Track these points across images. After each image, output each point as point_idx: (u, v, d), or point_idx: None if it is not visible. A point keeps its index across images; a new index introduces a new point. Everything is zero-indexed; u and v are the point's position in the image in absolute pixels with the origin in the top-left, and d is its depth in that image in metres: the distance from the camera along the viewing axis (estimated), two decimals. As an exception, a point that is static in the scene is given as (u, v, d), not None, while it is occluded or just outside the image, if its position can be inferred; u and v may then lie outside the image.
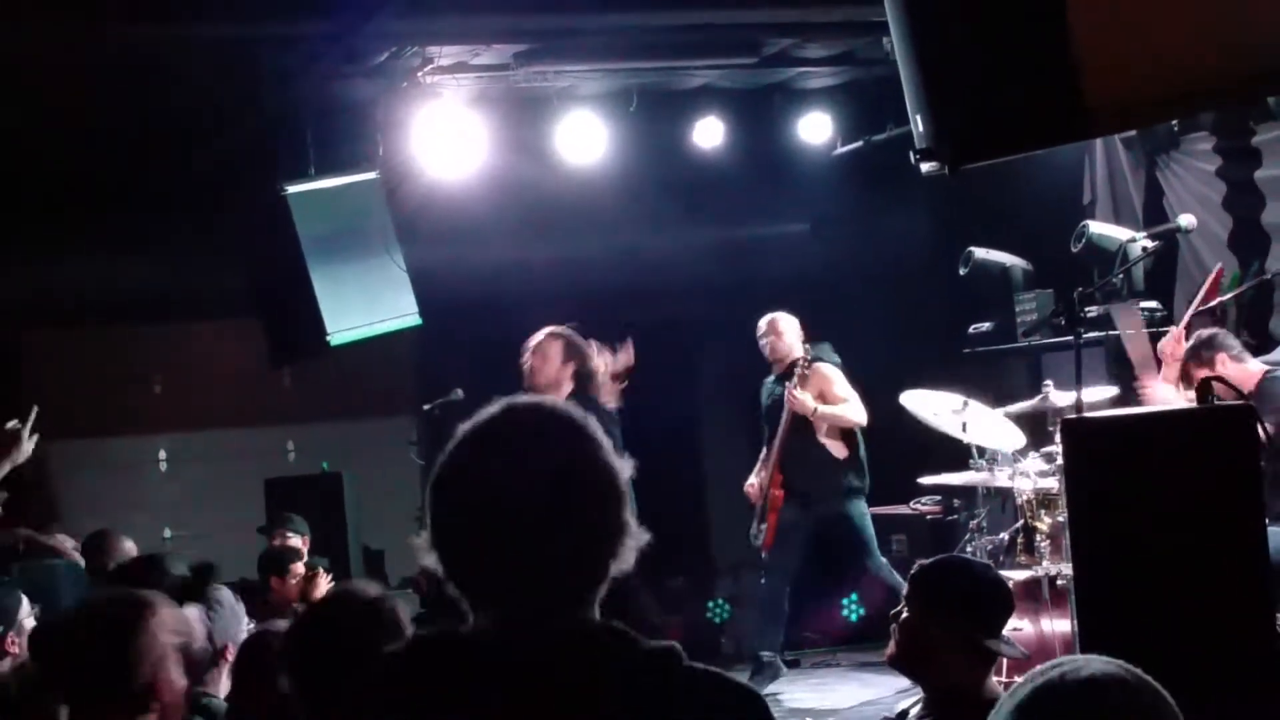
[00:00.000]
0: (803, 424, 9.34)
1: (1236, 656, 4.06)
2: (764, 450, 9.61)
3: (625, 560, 2.21)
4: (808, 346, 9.42)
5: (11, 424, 5.70)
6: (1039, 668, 2.18)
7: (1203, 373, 7.06)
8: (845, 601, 10.70)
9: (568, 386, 8.42)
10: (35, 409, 5.73)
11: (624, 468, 2.24)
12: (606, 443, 2.24)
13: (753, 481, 9.63)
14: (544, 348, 8.51)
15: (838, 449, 9.40)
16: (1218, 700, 3.59)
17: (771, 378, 9.63)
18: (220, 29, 8.20)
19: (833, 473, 9.39)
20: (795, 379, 9.20)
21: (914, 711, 4.15)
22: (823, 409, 9.24)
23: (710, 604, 11.04)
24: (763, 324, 9.57)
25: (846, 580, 10.34)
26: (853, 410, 9.32)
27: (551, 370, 8.45)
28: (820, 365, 9.29)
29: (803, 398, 9.19)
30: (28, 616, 5.59)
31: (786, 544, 9.45)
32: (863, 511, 9.49)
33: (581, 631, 2.17)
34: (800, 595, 9.85)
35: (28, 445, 5.78)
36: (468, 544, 2.18)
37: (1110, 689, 2.08)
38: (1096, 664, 2.13)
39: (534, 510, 2.14)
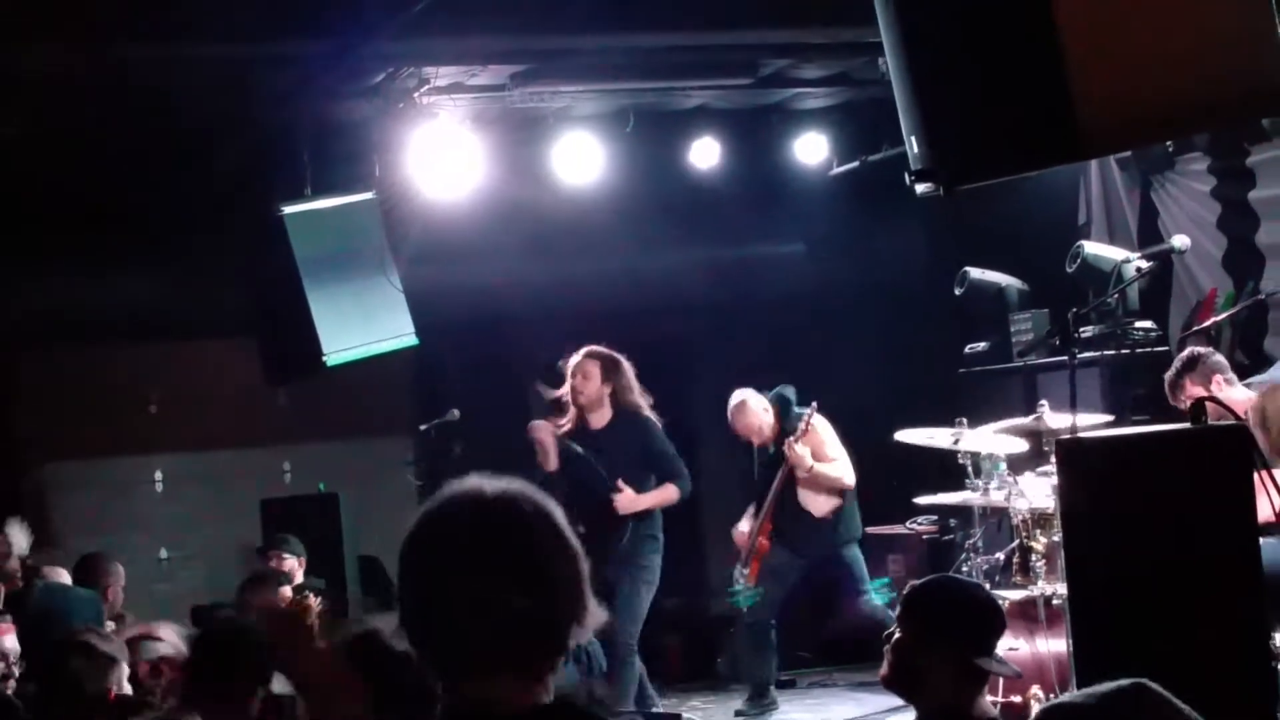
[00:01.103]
0: (794, 480, 9.33)
1: (1232, 676, 4.07)
2: (753, 505, 9.59)
3: (583, 635, 2.27)
4: (781, 392, 9.41)
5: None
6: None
7: (1197, 391, 7.07)
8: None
9: (608, 404, 8.79)
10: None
11: (579, 549, 2.28)
12: (563, 522, 2.28)
13: (742, 529, 9.61)
14: (584, 368, 8.79)
15: (829, 504, 9.36)
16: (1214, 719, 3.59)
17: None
18: (218, 49, 8.21)
19: (823, 527, 9.39)
20: (799, 432, 9.15)
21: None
22: (817, 467, 9.20)
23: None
24: (732, 413, 9.48)
25: (835, 611, 10.29)
26: (842, 470, 9.30)
27: (593, 389, 8.78)
28: (816, 421, 9.27)
29: (801, 453, 9.14)
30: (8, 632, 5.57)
31: (774, 579, 9.44)
32: (855, 556, 9.51)
33: (543, 713, 2.22)
34: (792, 617, 9.84)
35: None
36: (429, 616, 2.25)
37: (1123, 700, 2.08)
38: (1119, 683, 2.14)
39: (493, 587, 2.20)
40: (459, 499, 2.28)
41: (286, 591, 7.73)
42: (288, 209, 9.25)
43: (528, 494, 2.29)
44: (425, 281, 9.88)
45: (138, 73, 8.50)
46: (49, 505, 11.03)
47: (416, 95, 9.24)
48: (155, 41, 8.04)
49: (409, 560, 2.28)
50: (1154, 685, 2.14)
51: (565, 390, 8.85)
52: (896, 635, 4.00)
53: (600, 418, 8.83)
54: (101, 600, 7.56)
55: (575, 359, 8.84)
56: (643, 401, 8.86)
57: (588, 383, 8.78)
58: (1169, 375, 7.46)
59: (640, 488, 8.73)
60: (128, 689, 4.52)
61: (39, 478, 11.29)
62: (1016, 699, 6.97)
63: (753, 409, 9.40)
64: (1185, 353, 7.55)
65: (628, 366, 8.85)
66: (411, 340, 9.61)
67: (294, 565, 8.85)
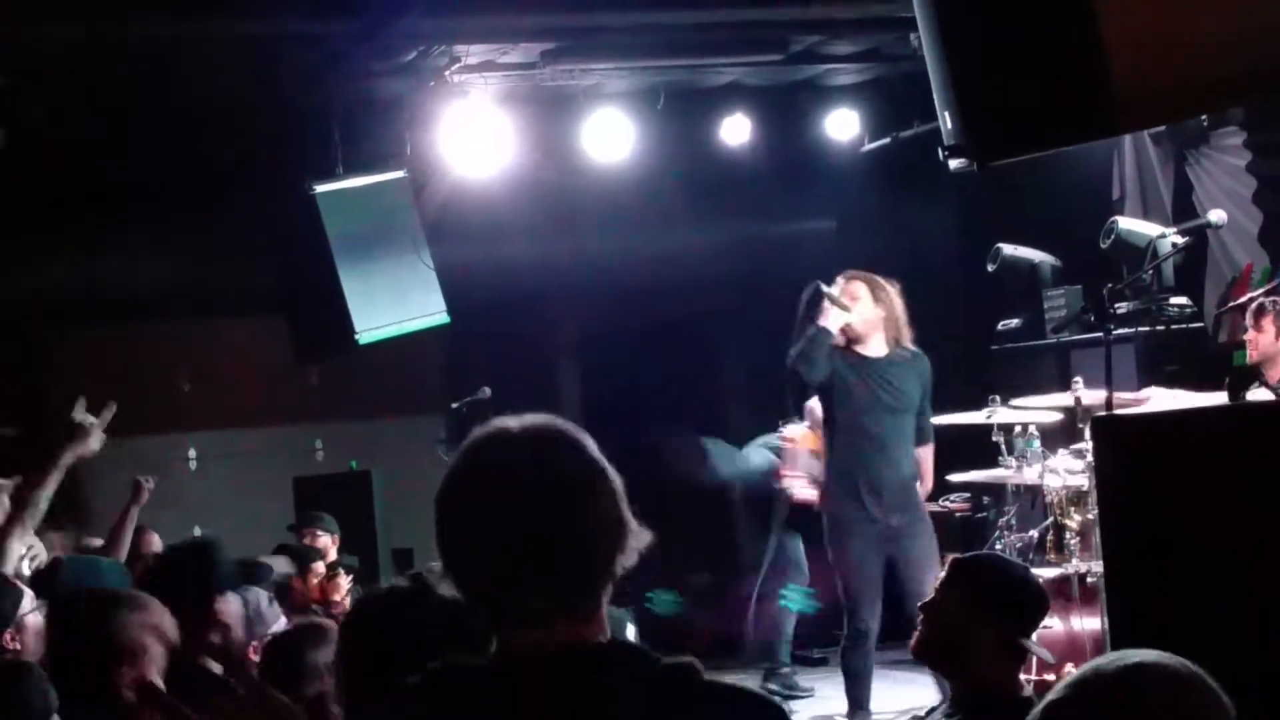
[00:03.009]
0: None
1: (1271, 658, 4.04)
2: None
3: (629, 558, 2.23)
4: None
5: (81, 415, 5.59)
6: (1084, 668, 2.16)
7: (1268, 330, 7.43)
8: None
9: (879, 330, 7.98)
10: (113, 405, 5.64)
11: (613, 473, 2.27)
12: (592, 445, 2.27)
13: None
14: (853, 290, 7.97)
15: None
16: (1251, 702, 3.56)
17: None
18: (248, 27, 8.22)
19: None
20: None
21: (941, 708, 4.14)
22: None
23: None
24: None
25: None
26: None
27: (868, 311, 7.95)
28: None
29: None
30: (31, 612, 5.57)
31: None
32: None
33: (597, 650, 2.19)
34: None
35: (96, 440, 5.69)
36: (474, 562, 2.22)
37: (1155, 678, 2.06)
38: (1147, 654, 2.10)
39: (533, 515, 2.17)
40: (487, 440, 2.26)
41: (319, 567, 7.76)
42: (319, 187, 9.27)
43: (555, 425, 2.27)
44: (456, 260, 9.89)
45: (167, 50, 8.51)
46: (81, 484, 11.07)
47: (447, 73, 9.23)
48: (186, 19, 8.06)
49: (447, 505, 2.25)
50: (1159, 661, 2.11)
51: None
52: (938, 604, 3.98)
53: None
54: (129, 572, 7.59)
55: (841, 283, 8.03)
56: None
57: (855, 303, 7.93)
58: (1260, 300, 7.78)
59: None
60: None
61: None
62: (1050, 678, 6.95)
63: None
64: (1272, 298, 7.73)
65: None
66: (443, 319, 9.62)
67: (328, 543, 8.87)
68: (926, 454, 8.14)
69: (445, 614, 3.04)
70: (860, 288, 7.94)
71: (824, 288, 7.86)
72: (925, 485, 8.17)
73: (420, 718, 2.20)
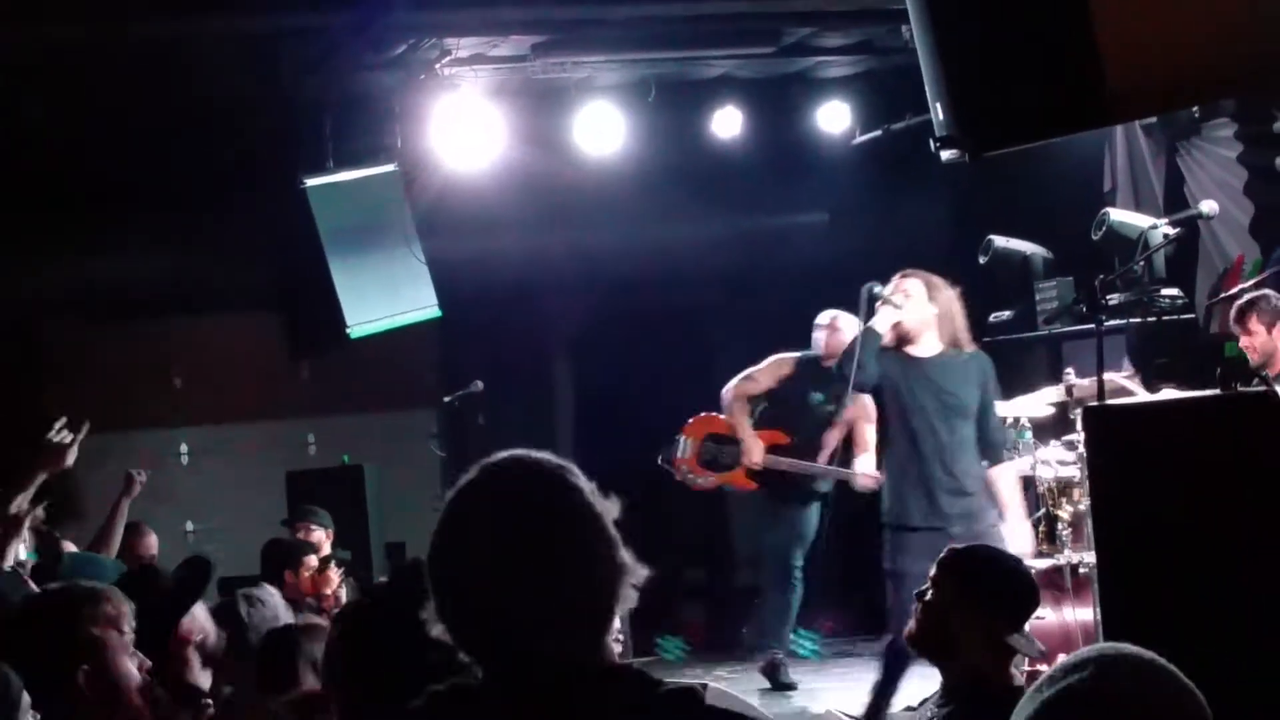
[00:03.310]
0: None
1: (1262, 647, 4.04)
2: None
3: (627, 600, 2.20)
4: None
5: (60, 435, 5.57)
6: (1062, 661, 2.16)
7: (1259, 328, 7.37)
8: None
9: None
10: (86, 424, 5.63)
11: (610, 509, 2.23)
12: (589, 487, 2.23)
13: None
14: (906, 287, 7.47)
15: None
16: (1242, 692, 3.57)
17: None
18: (239, 22, 8.22)
19: None
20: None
21: (932, 698, 4.16)
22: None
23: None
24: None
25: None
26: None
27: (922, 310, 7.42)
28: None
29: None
30: None
31: None
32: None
33: (598, 672, 2.17)
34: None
35: (70, 457, 5.69)
36: (468, 606, 2.18)
37: (1124, 670, 2.06)
38: (1120, 647, 2.11)
39: (527, 560, 2.14)
40: (477, 485, 2.22)
41: (312, 561, 7.75)
42: (310, 181, 9.27)
43: (547, 468, 2.23)
44: (447, 253, 9.88)
45: (158, 46, 8.50)
46: (74, 478, 11.06)
47: (438, 66, 9.23)
48: (176, 15, 8.05)
49: (440, 544, 2.22)
50: (1126, 654, 2.10)
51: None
52: (929, 596, 4.00)
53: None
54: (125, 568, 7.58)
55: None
56: None
57: (909, 300, 7.45)
58: (1239, 302, 7.70)
59: None
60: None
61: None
62: (1043, 668, 6.95)
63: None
64: (1260, 292, 7.66)
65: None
66: (434, 312, 9.62)
67: (321, 537, 8.86)
68: (999, 476, 7.36)
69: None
70: (915, 284, 7.43)
71: (876, 288, 7.46)
72: (1005, 513, 7.30)
73: None
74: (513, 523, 2.17)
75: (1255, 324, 7.62)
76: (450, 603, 2.20)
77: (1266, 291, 7.81)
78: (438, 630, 2.21)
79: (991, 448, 7.33)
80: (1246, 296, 7.80)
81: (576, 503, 2.21)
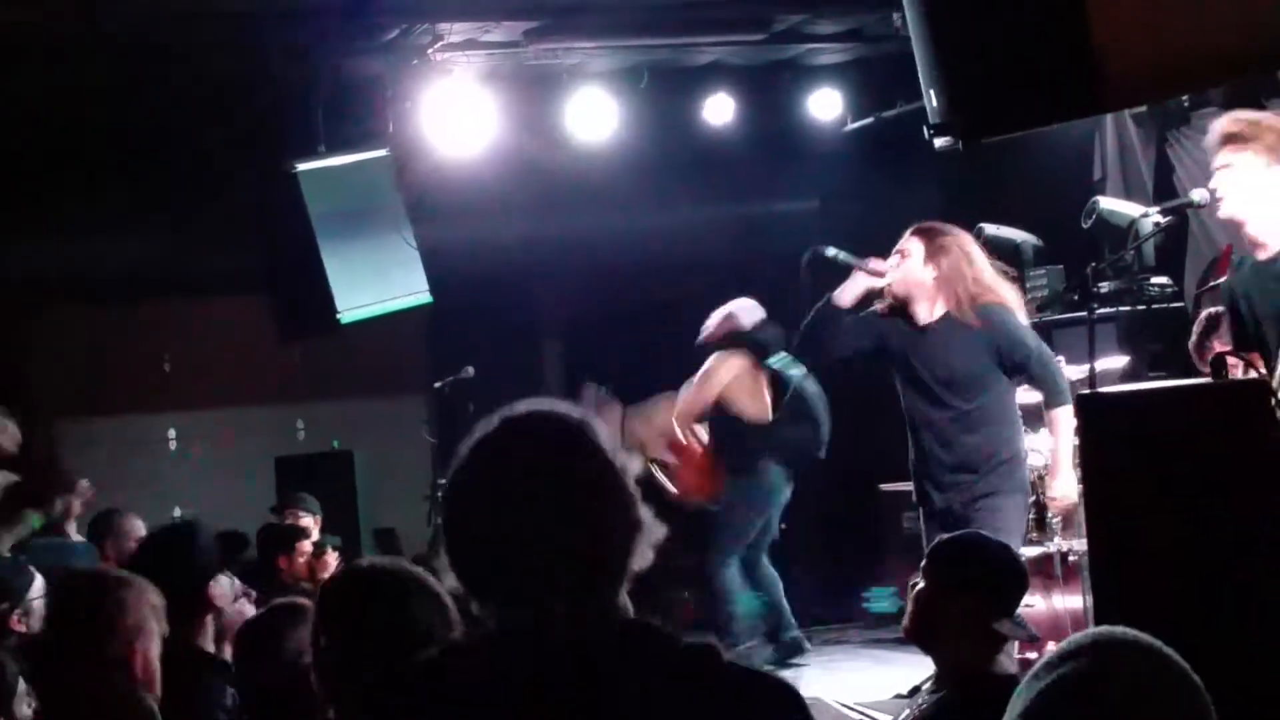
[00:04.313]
0: None
1: (1254, 635, 4.06)
2: None
3: (643, 556, 2.20)
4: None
5: None
6: (1059, 647, 2.16)
7: (1217, 346, 7.04)
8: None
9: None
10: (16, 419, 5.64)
11: (631, 465, 2.23)
12: (610, 442, 2.22)
13: None
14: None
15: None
16: (1234, 680, 3.58)
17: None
18: (231, 4, 8.20)
19: None
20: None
21: (926, 686, 4.17)
22: None
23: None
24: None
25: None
26: None
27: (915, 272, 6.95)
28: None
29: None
30: (39, 597, 5.59)
31: None
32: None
33: (617, 627, 2.17)
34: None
35: (9, 440, 5.68)
36: (485, 557, 2.18)
37: (1122, 654, 2.06)
38: (1116, 630, 2.11)
39: (546, 514, 2.14)
40: (497, 435, 2.22)
41: (306, 546, 7.76)
42: (301, 166, 9.24)
43: (568, 420, 2.23)
44: (439, 239, 9.87)
45: (149, 28, 8.47)
46: (62, 463, 11.06)
47: (430, 52, 9.21)
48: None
49: (454, 502, 2.21)
50: (1123, 639, 2.10)
51: None
52: (920, 586, 4.02)
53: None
54: (99, 554, 7.57)
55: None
56: None
57: (906, 260, 7.00)
58: (1193, 339, 7.39)
59: None
60: None
61: (52, 436, 11.31)
62: (1033, 655, 6.97)
63: None
64: (1205, 315, 7.48)
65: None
66: (425, 298, 9.60)
67: (310, 523, 8.87)
68: (1050, 422, 7.00)
69: (431, 591, 3.05)
70: (915, 244, 6.88)
71: (829, 251, 7.06)
72: (1053, 461, 7.00)
73: (433, 696, 2.15)
74: (532, 474, 2.16)
75: (1218, 346, 7.30)
76: (466, 553, 2.19)
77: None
78: (450, 581, 2.20)
79: (1045, 395, 6.94)
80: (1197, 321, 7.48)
81: (596, 457, 2.20)
